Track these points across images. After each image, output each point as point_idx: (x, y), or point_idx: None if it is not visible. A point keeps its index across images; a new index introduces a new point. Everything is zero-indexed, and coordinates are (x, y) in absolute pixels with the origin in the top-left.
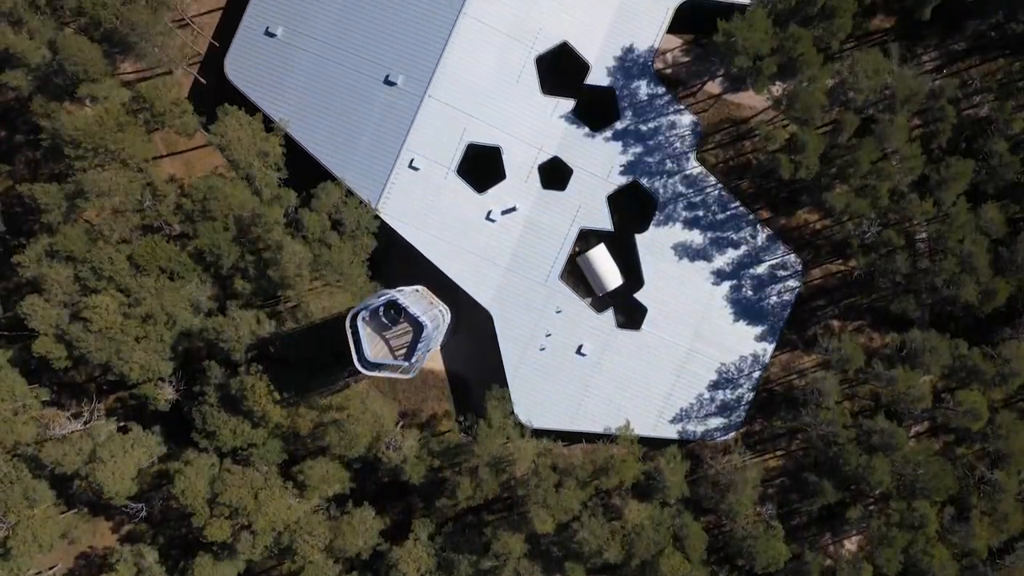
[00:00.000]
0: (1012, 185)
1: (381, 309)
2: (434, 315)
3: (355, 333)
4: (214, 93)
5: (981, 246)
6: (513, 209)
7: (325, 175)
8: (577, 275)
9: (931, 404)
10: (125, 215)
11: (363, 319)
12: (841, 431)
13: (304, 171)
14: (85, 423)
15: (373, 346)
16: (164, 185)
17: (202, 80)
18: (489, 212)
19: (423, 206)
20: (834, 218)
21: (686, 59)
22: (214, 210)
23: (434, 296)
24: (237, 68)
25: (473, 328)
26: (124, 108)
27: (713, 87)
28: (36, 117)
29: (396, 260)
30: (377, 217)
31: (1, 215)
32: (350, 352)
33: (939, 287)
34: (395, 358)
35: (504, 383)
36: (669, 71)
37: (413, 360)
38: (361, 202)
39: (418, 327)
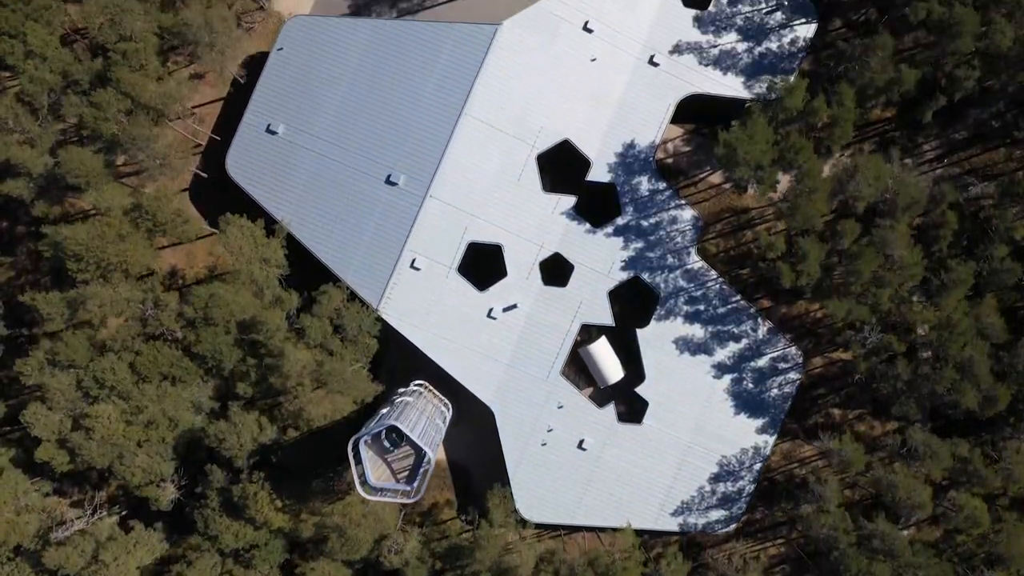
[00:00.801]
0: (1014, 286)
1: (383, 433)
2: (436, 428)
3: (357, 457)
4: (215, 186)
5: (982, 352)
6: (514, 306)
7: (326, 270)
8: (579, 364)
9: (931, 509)
10: (127, 323)
11: (365, 442)
12: (842, 536)
13: (306, 266)
14: (88, 517)
15: (375, 469)
16: (165, 295)
17: (203, 174)
18: (490, 310)
19: (424, 305)
20: (835, 324)
21: (687, 148)
22: (215, 317)
23: (435, 391)
24: (238, 165)
25: (475, 417)
26: (125, 215)
27: (715, 177)
28: (38, 223)
29: (396, 353)
30: (379, 319)
31: (2, 315)
32: (352, 476)
33: (940, 393)
34: (397, 481)
35: (505, 472)
36: (670, 160)
37: (415, 484)
38: (363, 304)
39: (420, 452)
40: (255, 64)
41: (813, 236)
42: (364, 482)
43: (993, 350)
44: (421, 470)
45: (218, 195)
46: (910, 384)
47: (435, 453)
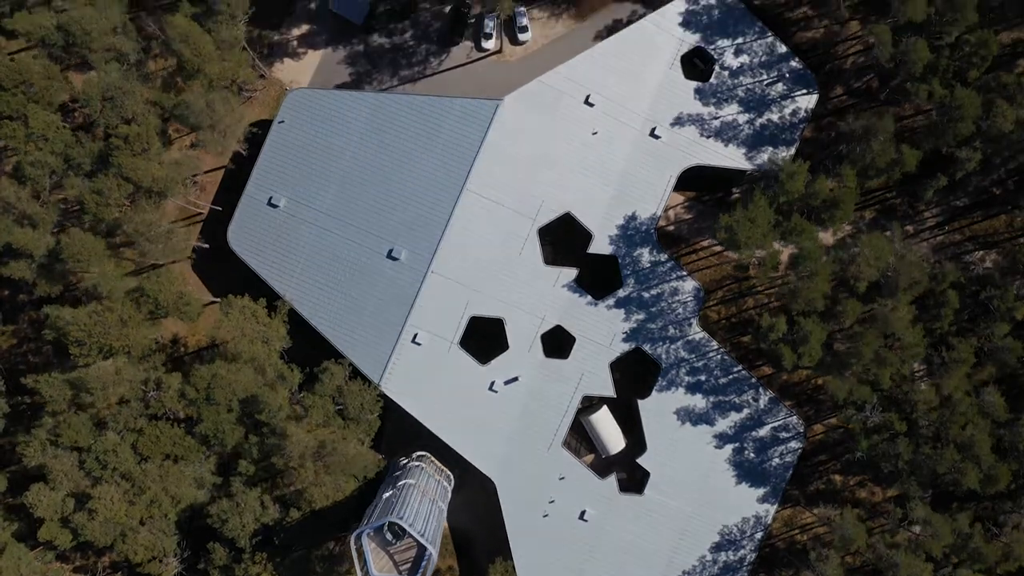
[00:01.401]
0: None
1: (384, 525)
2: (438, 512)
3: (360, 550)
4: (216, 256)
5: (983, 431)
6: (515, 379)
7: (328, 341)
8: (580, 431)
9: None
10: (130, 404)
11: (367, 535)
12: None
13: (308, 336)
14: None
15: (378, 560)
16: (167, 376)
17: (204, 245)
18: (492, 383)
19: (425, 379)
20: (836, 404)
21: (689, 216)
22: (217, 397)
23: (436, 462)
24: (240, 238)
25: (477, 482)
26: (127, 295)
27: (717, 245)
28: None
29: (397, 422)
30: (381, 395)
31: (4, 391)
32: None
33: (941, 473)
34: (400, 573)
35: (507, 538)
36: (671, 228)
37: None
38: (364, 381)
39: (422, 547)
40: (256, 133)
41: (814, 316)
42: (367, 575)
43: (993, 427)
44: (423, 563)
45: (220, 264)
46: (911, 463)
47: (437, 548)
